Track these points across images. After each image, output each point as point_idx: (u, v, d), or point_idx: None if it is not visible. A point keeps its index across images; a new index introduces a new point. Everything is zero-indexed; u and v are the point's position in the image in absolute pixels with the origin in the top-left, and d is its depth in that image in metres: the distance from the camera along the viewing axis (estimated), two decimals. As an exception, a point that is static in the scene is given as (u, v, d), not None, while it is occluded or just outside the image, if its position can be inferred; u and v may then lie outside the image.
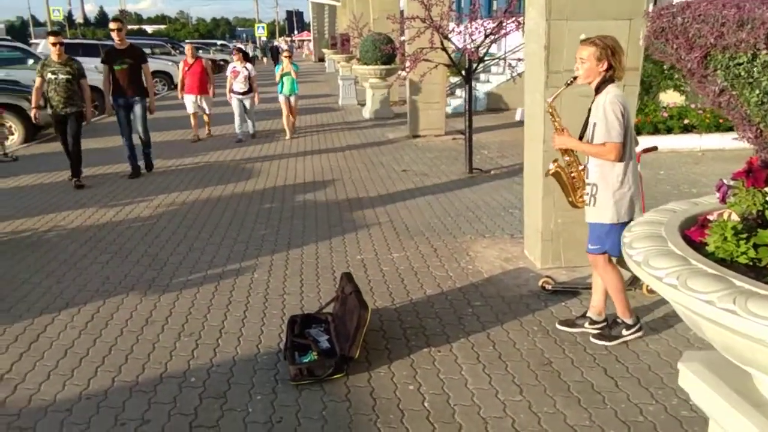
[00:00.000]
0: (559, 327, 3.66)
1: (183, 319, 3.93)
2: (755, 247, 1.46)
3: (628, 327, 3.47)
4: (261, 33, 53.60)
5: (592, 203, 3.31)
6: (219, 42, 45.09)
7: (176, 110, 11.77)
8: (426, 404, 2.96)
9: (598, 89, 3.20)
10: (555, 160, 3.51)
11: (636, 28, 4.12)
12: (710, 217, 1.63)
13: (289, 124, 10.92)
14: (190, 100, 10.65)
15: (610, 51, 3.12)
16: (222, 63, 27.13)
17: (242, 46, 26.87)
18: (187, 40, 34.89)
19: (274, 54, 35.38)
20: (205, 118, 11.01)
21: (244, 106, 10.61)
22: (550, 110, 3.42)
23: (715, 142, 8.69)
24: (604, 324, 3.56)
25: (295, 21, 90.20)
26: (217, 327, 3.81)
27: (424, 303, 4.09)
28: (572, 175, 3.48)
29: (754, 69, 1.62)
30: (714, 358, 1.71)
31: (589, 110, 3.27)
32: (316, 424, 2.84)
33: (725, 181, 1.70)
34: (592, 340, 3.49)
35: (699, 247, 1.56)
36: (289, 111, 10.84)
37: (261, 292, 4.32)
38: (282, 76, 10.65)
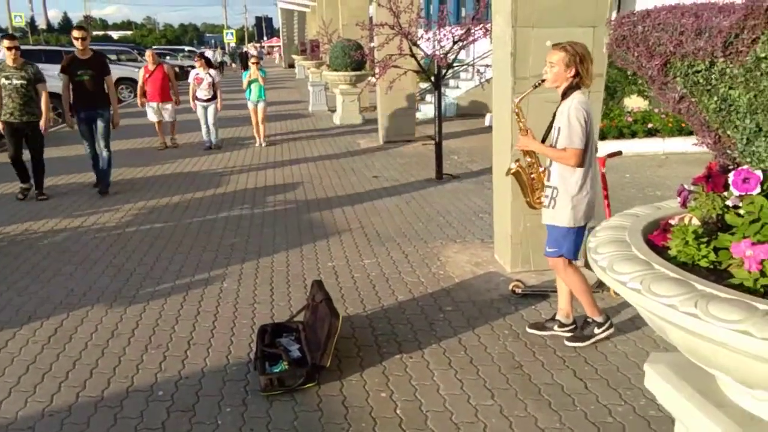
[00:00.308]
0: (529, 330, 3.69)
1: (150, 330, 3.85)
2: (716, 250, 1.49)
3: (599, 325, 3.51)
4: (230, 39, 53.20)
5: (551, 206, 3.36)
6: (186, 48, 44.41)
7: (143, 117, 11.56)
8: (398, 411, 2.95)
9: (565, 95, 3.25)
10: (517, 160, 3.56)
11: (600, 36, 4.19)
12: (672, 222, 1.66)
13: (258, 131, 10.83)
14: (152, 108, 10.47)
15: (578, 58, 3.17)
16: (189, 69, 26.71)
17: (209, 52, 26.51)
18: (153, 46, 34.40)
19: (243, 60, 35.08)
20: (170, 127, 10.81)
21: (207, 113, 10.43)
22: (517, 111, 3.47)
23: (678, 145, 8.91)
24: (573, 326, 3.61)
25: (264, 27, 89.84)
26: (186, 338, 3.74)
27: (395, 309, 4.08)
28: (532, 176, 3.54)
29: (712, 76, 1.66)
30: (679, 360, 1.73)
31: (554, 114, 3.32)
32: (288, 434, 2.80)
33: (686, 186, 1.73)
34: (567, 343, 3.53)
35: (662, 251, 1.59)
36: (257, 117, 10.75)
37: (230, 302, 4.26)
38: (250, 83, 10.56)
